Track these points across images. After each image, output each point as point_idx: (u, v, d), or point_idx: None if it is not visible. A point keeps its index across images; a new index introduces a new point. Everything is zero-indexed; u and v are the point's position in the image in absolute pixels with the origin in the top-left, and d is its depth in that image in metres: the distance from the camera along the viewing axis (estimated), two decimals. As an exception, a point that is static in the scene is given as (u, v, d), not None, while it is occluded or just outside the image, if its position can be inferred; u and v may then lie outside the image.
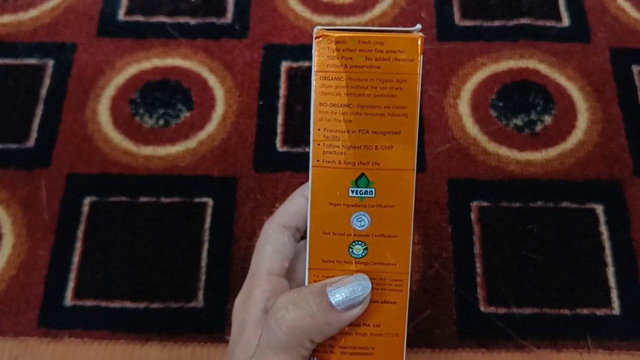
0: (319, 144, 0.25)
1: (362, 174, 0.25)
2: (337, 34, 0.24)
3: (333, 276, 0.26)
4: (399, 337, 0.26)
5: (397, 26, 0.25)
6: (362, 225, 0.25)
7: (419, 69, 0.24)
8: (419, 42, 0.24)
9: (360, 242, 0.26)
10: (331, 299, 0.25)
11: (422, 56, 0.24)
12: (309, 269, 0.26)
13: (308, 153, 0.25)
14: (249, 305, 0.29)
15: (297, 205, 0.32)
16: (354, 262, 0.26)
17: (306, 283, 0.27)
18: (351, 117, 0.24)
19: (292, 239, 0.31)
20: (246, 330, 0.28)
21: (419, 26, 0.24)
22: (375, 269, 0.26)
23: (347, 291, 0.25)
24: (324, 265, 0.26)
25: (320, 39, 0.24)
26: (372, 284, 0.26)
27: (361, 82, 0.24)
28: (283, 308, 0.25)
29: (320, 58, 0.24)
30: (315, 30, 0.24)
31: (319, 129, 0.25)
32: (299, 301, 0.25)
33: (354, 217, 0.25)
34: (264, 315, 0.28)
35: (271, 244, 0.31)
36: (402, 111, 0.24)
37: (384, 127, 0.25)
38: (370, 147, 0.25)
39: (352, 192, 0.25)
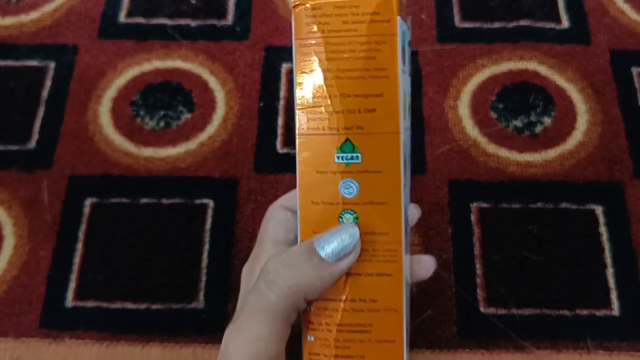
0: (303, 111, 0.25)
1: (347, 139, 0.25)
2: (313, 1, 0.24)
3: None
4: (398, 312, 0.25)
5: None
6: (351, 193, 0.25)
7: (397, 30, 0.24)
8: (394, 2, 0.24)
9: (350, 211, 0.25)
10: (321, 253, 0.24)
11: (401, 17, 0.24)
12: (300, 241, 0.26)
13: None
14: (254, 271, 0.29)
15: None
16: None
17: None
18: (332, 82, 0.24)
19: (296, 217, 0.31)
20: None
21: None
22: (367, 239, 0.25)
23: (335, 242, 0.24)
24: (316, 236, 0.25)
25: (298, 7, 0.24)
26: (365, 255, 0.25)
27: (340, 46, 0.24)
28: (273, 270, 0.24)
29: (298, 26, 0.24)
30: (291, 0, 0.24)
31: (302, 96, 0.25)
32: (288, 261, 0.24)
33: (341, 184, 0.25)
34: None
35: (275, 220, 0.31)
36: (383, 73, 0.24)
37: (366, 90, 0.24)
38: (353, 111, 0.24)
39: (338, 158, 0.25)
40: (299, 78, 0.25)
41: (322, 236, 0.25)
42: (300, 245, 0.25)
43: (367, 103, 0.24)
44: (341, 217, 0.25)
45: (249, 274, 0.30)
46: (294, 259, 0.24)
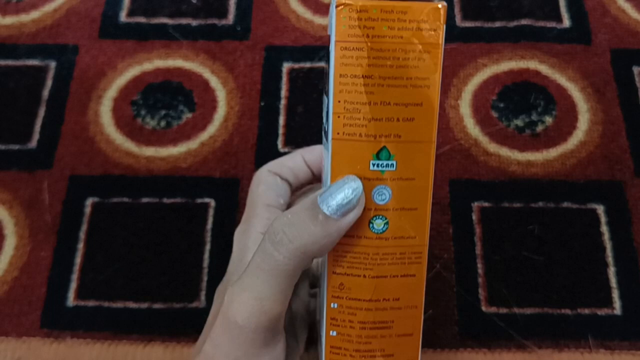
0: (339, 116, 0.24)
1: (384, 147, 0.24)
2: (360, 3, 0.23)
3: (353, 253, 0.25)
4: (417, 308, 0.26)
5: None
6: (383, 199, 0.25)
7: (442, 39, 0.23)
8: (442, 12, 0.23)
9: (381, 217, 0.25)
10: (325, 210, 0.24)
11: (444, 25, 0.24)
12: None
13: (325, 127, 0.25)
14: (249, 233, 0.29)
15: (293, 161, 0.31)
16: (374, 237, 0.25)
17: (325, 263, 0.26)
18: (373, 89, 0.24)
19: (285, 182, 0.31)
20: (247, 254, 0.28)
21: None
22: (396, 243, 0.25)
23: (339, 197, 0.24)
24: (346, 240, 0.25)
25: (342, 7, 0.23)
26: (392, 259, 0.25)
27: (383, 52, 0.23)
28: (280, 231, 0.24)
29: (340, 27, 0.23)
30: None
31: (339, 101, 0.24)
32: (294, 221, 0.24)
33: (374, 191, 0.25)
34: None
35: (265, 184, 0.31)
36: (424, 82, 0.24)
37: (406, 98, 0.24)
38: (392, 119, 0.24)
39: (373, 165, 0.24)
40: (336, 82, 0.24)
41: (325, 192, 0.24)
42: (303, 203, 0.25)
43: (406, 112, 0.24)
44: (372, 223, 0.25)
45: (241, 236, 0.30)
46: (299, 218, 0.24)
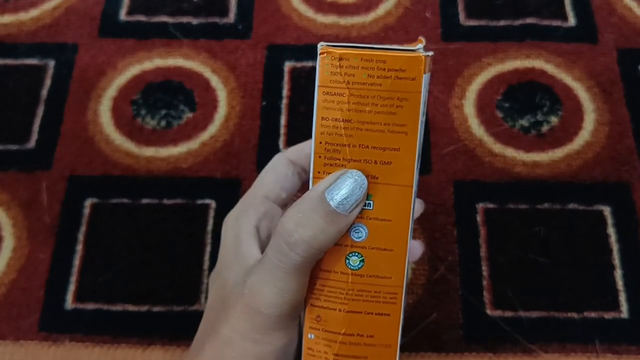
0: (320, 157, 0.25)
1: None
2: (341, 51, 0.24)
3: (329, 287, 0.26)
4: (392, 347, 0.27)
5: (402, 44, 0.25)
6: (359, 237, 0.26)
7: (422, 88, 0.24)
8: (422, 61, 0.24)
9: (357, 254, 0.26)
10: (335, 208, 0.25)
11: (427, 74, 0.24)
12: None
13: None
14: (242, 222, 0.30)
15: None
16: (350, 273, 0.26)
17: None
18: (352, 132, 0.25)
19: (297, 175, 0.32)
20: (242, 245, 0.29)
21: (420, 45, 0.25)
22: (371, 281, 0.26)
23: (346, 192, 0.25)
24: (322, 274, 0.26)
25: (324, 55, 0.24)
26: (367, 296, 0.26)
27: (362, 98, 0.25)
28: (294, 232, 0.25)
29: (323, 74, 0.25)
30: (319, 46, 0.24)
31: (320, 142, 0.25)
32: (306, 221, 0.25)
33: (352, 228, 0.26)
34: (256, 231, 0.29)
35: (274, 174, 0.31)
36: (402, 129, 0.25)
37: (384, 143, 0.25)
38: (370, 162, 0.25)
39: None
40: (318, 124, 0.25)
41: (332, 188, 0.25)
42: (312, 201, 0.25)
43: (383, 155, 0.25)
44: (348, 259, 0.26)
45: (233, 224, 0.30)
46: (311, 218, 0.25)
